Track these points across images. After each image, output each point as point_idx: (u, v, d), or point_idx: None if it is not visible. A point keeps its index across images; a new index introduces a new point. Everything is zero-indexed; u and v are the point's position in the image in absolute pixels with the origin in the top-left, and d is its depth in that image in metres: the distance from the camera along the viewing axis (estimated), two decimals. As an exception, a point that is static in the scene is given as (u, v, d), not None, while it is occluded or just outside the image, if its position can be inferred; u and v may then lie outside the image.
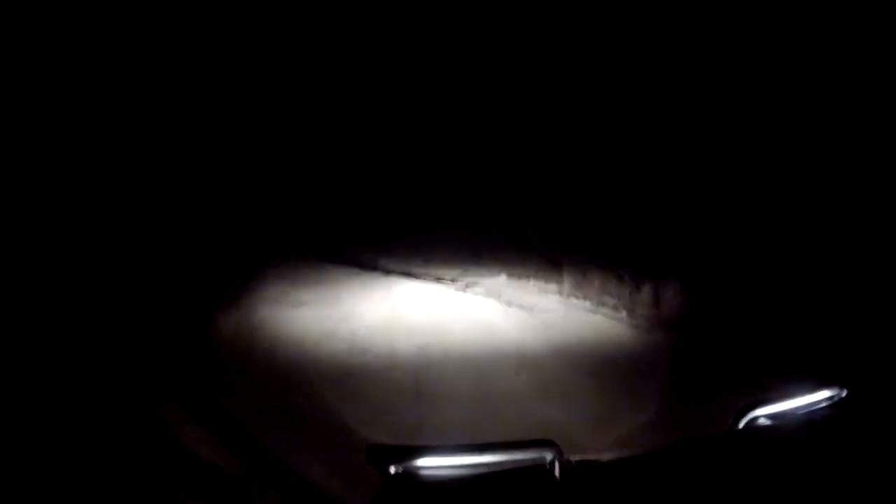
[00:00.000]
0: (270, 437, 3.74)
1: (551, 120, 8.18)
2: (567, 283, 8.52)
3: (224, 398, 4.43)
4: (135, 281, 7.05)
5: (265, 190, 11.15)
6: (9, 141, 7.66)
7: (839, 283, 5.19)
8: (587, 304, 7.95)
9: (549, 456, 1.34)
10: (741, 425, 1.50)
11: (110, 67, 9.23)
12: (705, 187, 6.63)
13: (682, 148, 6.72)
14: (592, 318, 7.39)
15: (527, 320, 7.32)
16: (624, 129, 7.32)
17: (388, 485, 1.33)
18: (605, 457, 1.45)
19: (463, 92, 9.29)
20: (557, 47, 7.87)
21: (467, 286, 8.60)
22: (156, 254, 8.32)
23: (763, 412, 1.52)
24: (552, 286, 8.52)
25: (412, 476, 1.32)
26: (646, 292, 7.47)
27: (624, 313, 7.34)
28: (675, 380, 5.05)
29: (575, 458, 1.42)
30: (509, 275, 8.93)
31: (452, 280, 8.91)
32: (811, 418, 1.53)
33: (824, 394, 1.56)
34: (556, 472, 1.35)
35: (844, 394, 1.56)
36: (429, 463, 1.34)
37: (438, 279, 9.01)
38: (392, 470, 1.32)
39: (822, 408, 1.55)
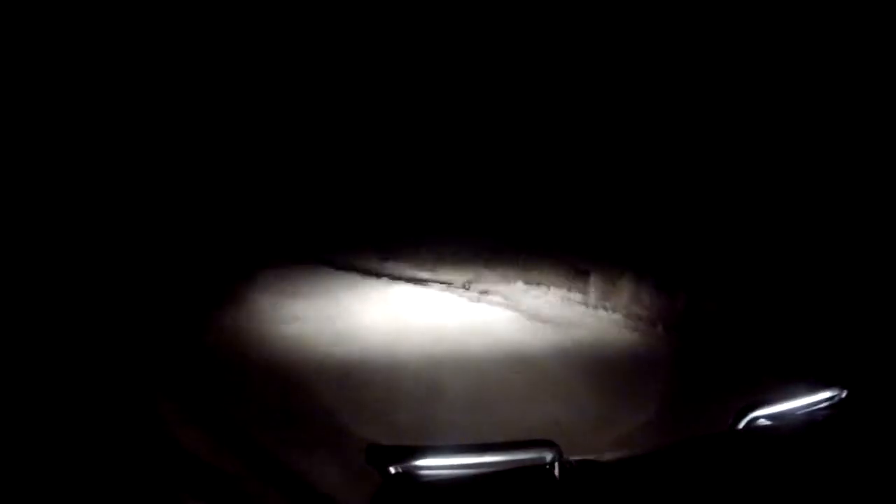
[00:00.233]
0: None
1: (573, 120, 7.96)
2: (593, 292, 7.84)
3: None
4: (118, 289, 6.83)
5: (266, 191, 11.14)
6: (11, 142, 7.66)
7: (840, 283, 5.16)
8: (617, 316, 7.26)
9: (549, 456, 1.37)
10: (741, 425, 1.50)
11: (110, 69, 9.25)
12: (706, 188, 6.57)
13: (693, 150, 6.65)
14: (629, 337, 6.53)
15: (554, 338, 6.41)
16: (649, 131, 7.13)
17: (388, 485, 1.33)
18: (605, 457, 1.46)
19: (482, 92, 9.09)
20: (580, 50, 7.73)
21: (481, 295, 7.94)
22: (147, 256, 8.16)
23: (763, 412, 1.52)
24: (575, 295, 7.90)
25: (412, 476, 1.35)
26: (681, 303, 6.80)
27: (660, 327, 6.69)
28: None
29: (575, 458, 1.42)
30: (526, 282, 8.33)
31: (464, 288, 8.27)
32: (811, 419, 1.53)
33: (824, 394, 1.56)
34: (556, 472, 1.34)
35: (844, 394, 1.56)
36: (429, 463, 1.38)
37: (448, 286, 8.36)
38: (392, 470, 1.32)
39: (822, 408, 1.55)
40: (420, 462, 1.44)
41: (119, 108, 9.76)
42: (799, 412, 1.60)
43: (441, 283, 8.45)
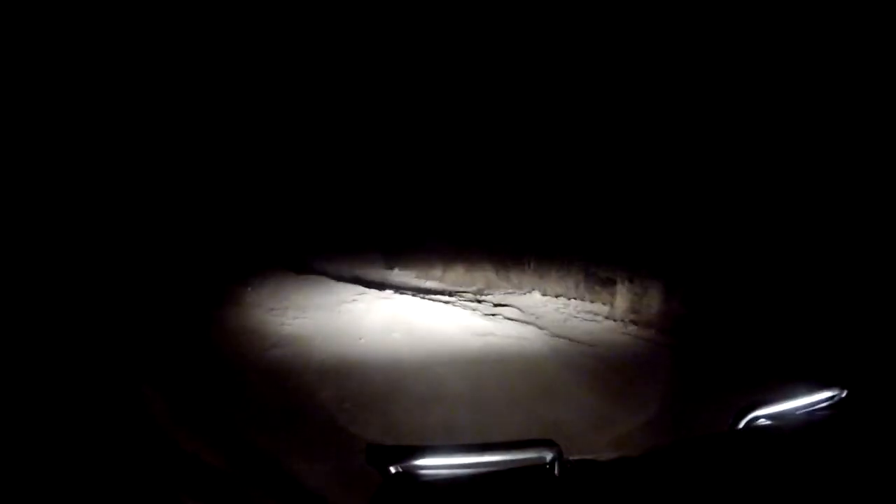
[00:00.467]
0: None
1: (583, 123, 7.75)
2: (620, 304, 7.07)
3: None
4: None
5: (265, 194, 10.95)
6: (14, 143, 7.65)
7: (840, 284, 5.16)
8: (651, 332, 6.50)
9: (549, 456, 1.37)
10: (741, 425, 1.50)
11: (110, 70, 9.23)
12: (706, 188, 6.51)
13: (702, 151, 6.57)
14: (671, 363, 5.64)
15: (587, 362, 5.52)
16: (663, 133, 6.94)
17: (388, 485, 1.33)
18: (605, 457, 1.45)
19: (493, 95, 8.93)
20: (593, 57, 7.57)
21: (496, 308, 7.24)
22: (135, 265, 7.69)
23: (763, 412, 1.52)
24: (600, 307, 7.21)
25: (412, 476, 1.36)
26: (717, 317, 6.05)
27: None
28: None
29: (575, 458, 1.42)
30: (543, 292, 7.70)
31: (476, 300, 7.57)
32: (811, 419, 1.53)
33: (824, 394, 1.56)
34: (556, 472, 1.35)
35: (844, 394, 1.57)
36: (429, 463, 1.40)
37: (459, 297, 7.68)
38: (392, 470, 1.33)
39: (822, 408, 1.56)
40: (420, 462, 1.46)
41: (119, 110, 9.72)
42: (799, 412, 1.61)
43: (451, 293, 7.83)
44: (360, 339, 6.08)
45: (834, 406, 1.70)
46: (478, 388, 4.76)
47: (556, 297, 7.58)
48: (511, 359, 5.57)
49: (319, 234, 10.12)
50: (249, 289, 7.71)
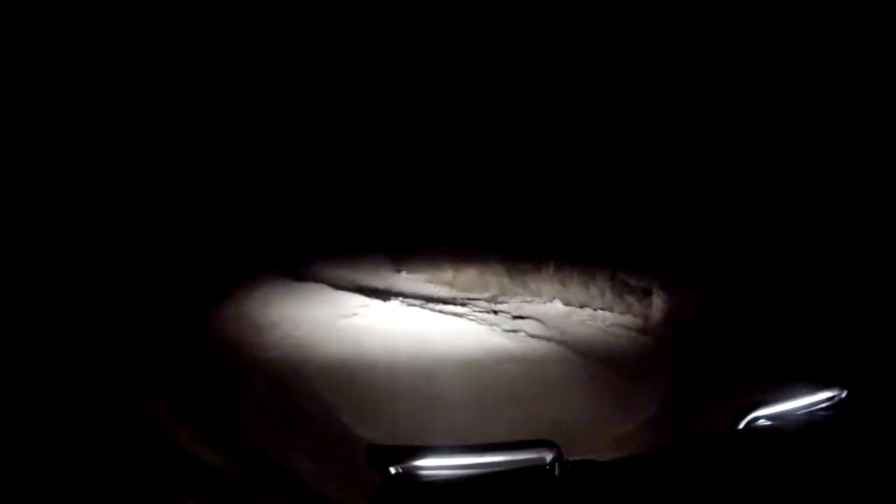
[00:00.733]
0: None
1: (599, 123, 7.58)
2: (656, 316, 6.40)
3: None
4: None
5: (267, 193, 10.77)
6: (12, 143, 7.69)
7: (840, 284, 5.17)
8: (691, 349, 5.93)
9: (549, 456, 1.39)
10: (741, 425, 1.51)
11: (110, 70, 9.30)
12: (707, 188, 6.51)
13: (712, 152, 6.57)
14: None
15: (636, 404, 4.63)
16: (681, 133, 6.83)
17: (388, 485, 1.34)
18: (605, 457, 1.46)
19: (505, 95, 8.80)
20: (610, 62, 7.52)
21: (515, 321, 6.54)
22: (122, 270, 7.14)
23: (763, 413, 1.54)
24: (631, 320, 6.47)
25: (412, 476, 1.38)
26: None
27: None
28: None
29: (575, 458, 1.43)
30: (566, 301, 7.00)
31: (492, 310, 6.86)
32: (811, 419, 1.55)
33: (824, 394, 1.57)
34: (556, 473, 1.35)
35: (844, 394, 1.58)
36: (429, 463, 1.43)
37: (472, 307, 6.99)
38: (392, 470, 1.34)
39: (822, 408, 1.57)
40: (420, 462, 1.47)
41: (120, 110, 9.75)
42: (799, 412, 1.62)
43: (463, 302, 7.15)
44: (356, 373, 5.19)
45: (834, 406, 1.72)
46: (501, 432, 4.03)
47: (581, 306, 6.90)
48: (543, 397, 4.74)
49: (324, 234, 9.56)
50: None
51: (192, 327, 5.79)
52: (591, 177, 7.58)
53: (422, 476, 1.51)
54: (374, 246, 8.97)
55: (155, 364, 4.71)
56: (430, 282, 7.92)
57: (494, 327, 6.29)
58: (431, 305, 6.97)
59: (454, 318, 6.56)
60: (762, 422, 1.74)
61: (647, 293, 6.63)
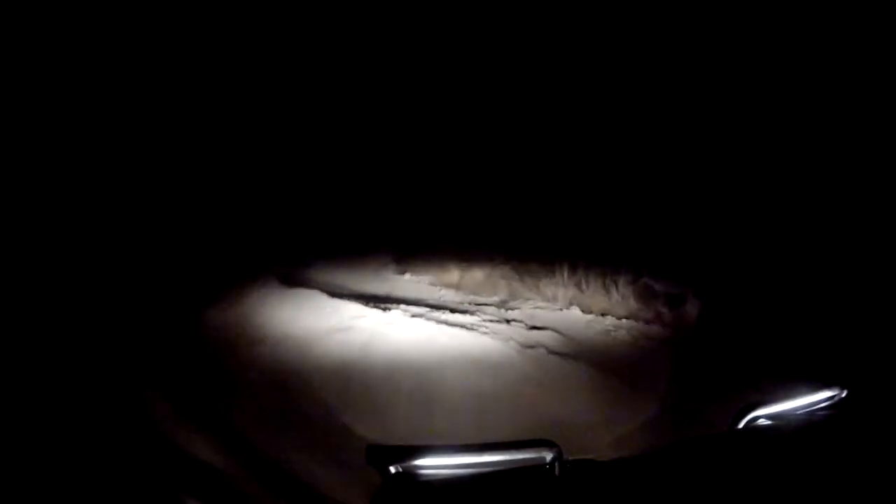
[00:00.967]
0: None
1: (608, 121, 7.53)
2: (691, 328, 5.99)
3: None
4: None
5: (268, 193, 10.69)
6: (12, 143, 7.70)
7: (840, 284, 5.18)
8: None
9: (549, 456, 1.39)
10: (741, 425, 1.52)
11: (109, 70, 9.33)
12: (706, 188, 6.48)
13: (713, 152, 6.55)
14: None
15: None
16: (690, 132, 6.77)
17: (388, 485, 1.34)
18: (605, 457, 1.45)
19: (512, 94, 8.73)
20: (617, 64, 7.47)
21: (531, 332, 5.94)
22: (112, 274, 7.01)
23: (763, 413, 1.54)
24: (660, 331, 5.90)
25: (412, 476, 1.37)
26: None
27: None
28: None
29: (575, 458, 1.43)
30: (586, 308, 6.45)
31: (504, 319, 6.31)
32: (811, 419, 1.55)
33: (824, 394, 1.58)
34: (556, 472, 1.35)
35: (844, 394, 1.58)
36: (429, 463, 1.43)
37: (481, 315, 6.47)
38: (392, 470, 1.34)
39: (822, 408, 1.57)
40: (420, 462, 1.47)
41: (120, 110, 9.77)
42: (799, 412, 1.62)
43: (472, 310, 6.63)
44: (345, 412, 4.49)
45: (834, 406, 1.73)
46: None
47: (602, 314, 6.34)
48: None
49: (328, 234, 9.25)
50: None
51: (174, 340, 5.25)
52: (601, 174, 7.34)
53: (421, 476, 1.52)
54: (378, 245, 8.70)
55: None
56: (435, 284, 7.50)
57: (511, 342, 5.61)
58: (437, 315, 6.34)
59: (463, 331, 5.90)
60: (762, 422, 1.76)
61: (677, 300, 6.04)
